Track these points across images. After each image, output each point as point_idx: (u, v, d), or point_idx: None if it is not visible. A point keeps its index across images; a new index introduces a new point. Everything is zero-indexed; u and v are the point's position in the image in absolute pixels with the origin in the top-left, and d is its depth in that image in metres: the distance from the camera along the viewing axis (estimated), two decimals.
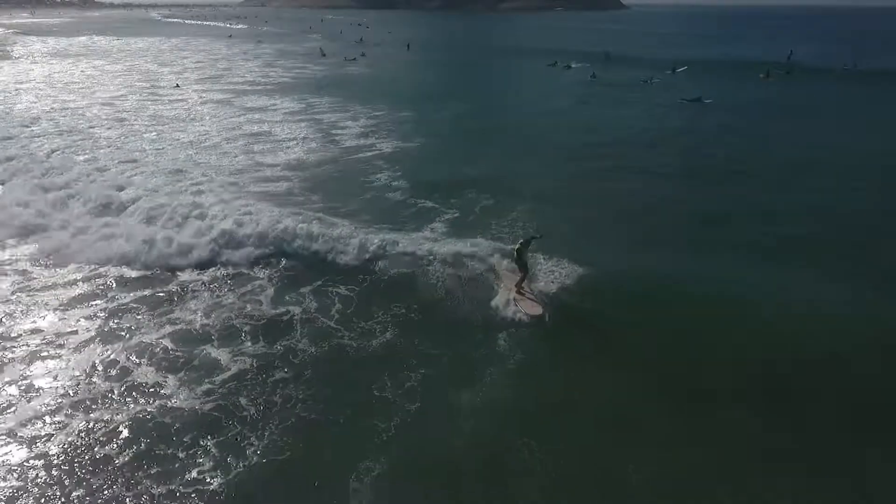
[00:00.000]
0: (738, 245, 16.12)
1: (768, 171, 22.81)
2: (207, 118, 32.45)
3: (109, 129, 29.60)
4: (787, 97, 40.63)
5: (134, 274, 14.25)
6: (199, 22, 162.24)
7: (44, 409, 9.71)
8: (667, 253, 15.60)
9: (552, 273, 13.79)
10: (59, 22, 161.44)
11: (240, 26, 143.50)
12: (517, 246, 13.10)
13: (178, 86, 42.65)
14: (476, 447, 9.08)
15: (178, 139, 27.39)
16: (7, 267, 14.70)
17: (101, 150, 25.19)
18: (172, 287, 13.68)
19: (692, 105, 36.72)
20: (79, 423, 9.37)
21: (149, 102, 36.86)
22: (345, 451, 8.94)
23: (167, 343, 11.45)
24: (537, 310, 12.28)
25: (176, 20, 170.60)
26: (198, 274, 14.18)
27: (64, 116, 32.47)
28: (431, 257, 14.54)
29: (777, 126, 31.41)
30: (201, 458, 8.72)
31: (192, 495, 8.15)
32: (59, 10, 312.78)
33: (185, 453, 8.80)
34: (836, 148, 26.48)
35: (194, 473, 8.44)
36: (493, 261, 14.20)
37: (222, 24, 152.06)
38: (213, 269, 14.41)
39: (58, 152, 24.70)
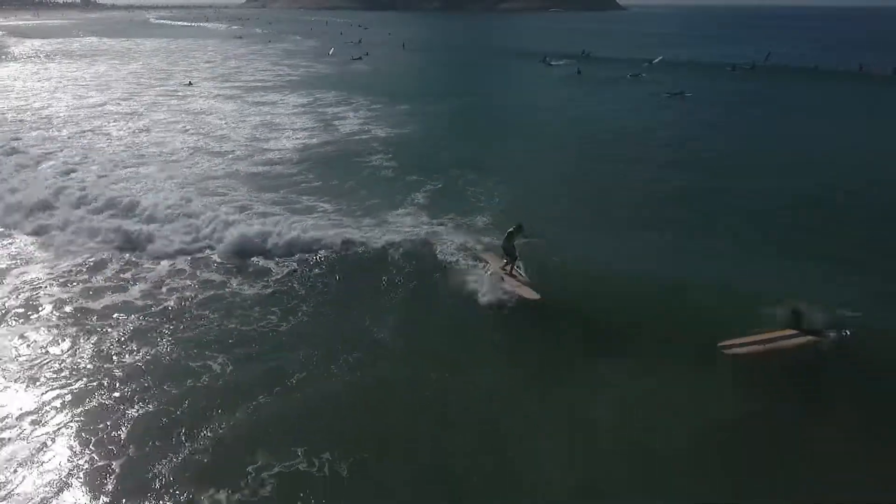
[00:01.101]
0: (716, 231, 17.05)
1: (746, 160, 25.10)
2: (219, 111, 35.74)
3: (128, 121, 32.97)
4: (748, 92, 43.88)
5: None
6: (198, 24, 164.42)
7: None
8: (651, 238, 16.31)
9: (542, 259, 14.02)
10: (66, 24, 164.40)
11: (235, 29, 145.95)
12: (510, 230, 13.40)
13: (190, 83, 45.86)
14: (466, 432, 9.38)
15: (193, 130, 30.76)
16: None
17: (118, 142, 28.33)
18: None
19: (674, 98, 40.24)
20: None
21: (162, 98, 40.27)
22: (326, 440, 9.02)
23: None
24: (532, 294, 12.42)
25: (168, 22, 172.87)
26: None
27: (84, 111, 35.86)
28: (413, 241, 15.29)
29: (739, 117, 34.94)
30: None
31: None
32: (60, 11, 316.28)
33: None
34: (776, 136, 29.79)
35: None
36: (479, 246, 14.77)
37: (217, 26, 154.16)
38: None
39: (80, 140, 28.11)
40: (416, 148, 26.86)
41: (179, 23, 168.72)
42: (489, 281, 13.05)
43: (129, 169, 23.22)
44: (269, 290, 13.77)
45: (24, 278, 14.44)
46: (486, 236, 15.89)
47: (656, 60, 56.00)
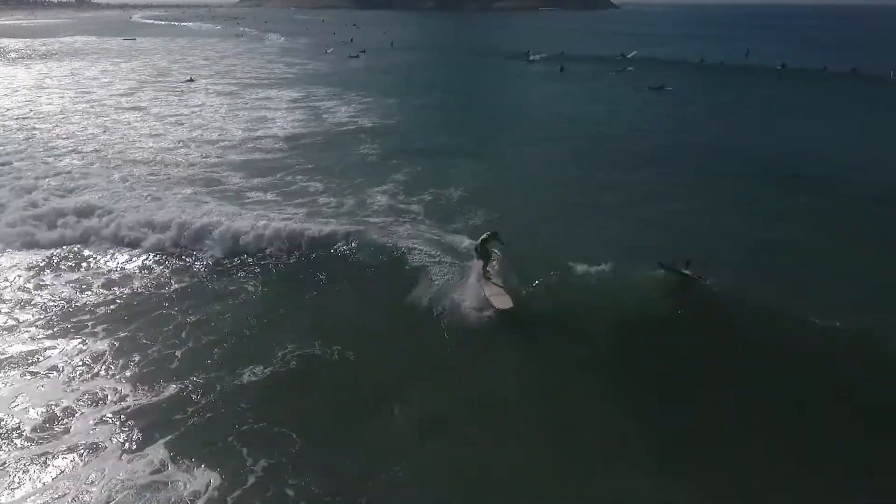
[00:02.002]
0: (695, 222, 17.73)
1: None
2: (218, 105, 37.71)
3: (132, 113, 34.94)
4: (722, 86, 46.21)
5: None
6: (180, 24, 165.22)
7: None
8: (629, 237, 16.53)
9: (519, 263, 13.98)
10: (62, 23, 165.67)
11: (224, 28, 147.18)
12: (483, 236, 13.43)
13: (191, 80, 47.78)
14: (435, 438, 9.49)
15: (194, 123, 32.74)
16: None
17: (124, 131, 30.41)
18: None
19: (656, 91, 42.86)
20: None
21: (164, 94, 42.16)
22: (295, 448, 9.17)
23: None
24: (506, 303, 12.27)
25: (161, 22, 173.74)
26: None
27: (94, 104, 37.80)
28: (394, 242, 15.33)
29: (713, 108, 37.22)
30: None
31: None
32: (56, 10, 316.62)
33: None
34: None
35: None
36: (464, 247, 14.80)
37: (201, 26, 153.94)
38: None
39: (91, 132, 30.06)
40: (401, 136, 28.95)
41: (162, 22, 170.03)
42: (469, 287, 12.93)
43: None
44: (231, 286, 14.31)
45: None
46: (460, 216, 17.58)
47: (630, 55, 58.85)
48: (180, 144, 27.30)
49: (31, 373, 11.30)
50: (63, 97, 40.51)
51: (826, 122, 32.62)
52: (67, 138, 28.30)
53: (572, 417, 9.91)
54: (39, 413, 10.18)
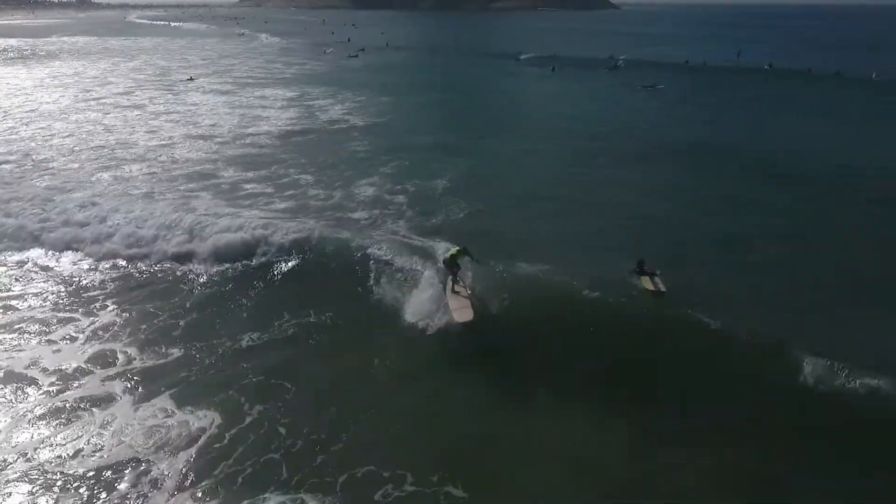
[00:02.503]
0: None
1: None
2: (217, 103, 39.16)
3: (133, 111, 36.49)
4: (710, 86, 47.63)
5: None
6: (176, 24, 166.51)
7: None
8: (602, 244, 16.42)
9: (488, 271, 13.79)
10: (57, 23, 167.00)
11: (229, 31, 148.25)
12: (452, 251, 13.19)
13: (191, 79, 49.25)
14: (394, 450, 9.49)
15: (194, 120, 34.24)
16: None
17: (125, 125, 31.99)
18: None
19: (649, 89, 44.50)
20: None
21: (163, 92, 43.69)
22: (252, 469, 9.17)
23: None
24: (467, 315, 12.03)
25: (158, 23, 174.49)
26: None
27: (100, 100, 39.34)
28: (362, 248, 15.19)
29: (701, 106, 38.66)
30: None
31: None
32: (56, 10, 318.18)
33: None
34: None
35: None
36: (438, 254, 14.39)
37: (198, 27, 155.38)
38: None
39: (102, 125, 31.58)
40: (393, 133, 30.44)
41: (159, 23, 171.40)
42: (432, 299, 12.93)
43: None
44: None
45: None
46: (443, 208, 18.78)
47: (620, 60, 60.04)
48: (182, 140, 28.79)
49: (48, 340, 12.71)
50: (64, 96, 42.06)
51: (808, 123, 33.46)
52: (70, 136, 29.75)
53: (539, 423, 10.16)
54: (56, 372, 11.59)
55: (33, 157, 25.74)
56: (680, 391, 10.63)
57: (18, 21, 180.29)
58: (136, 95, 42.31)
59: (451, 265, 13.08)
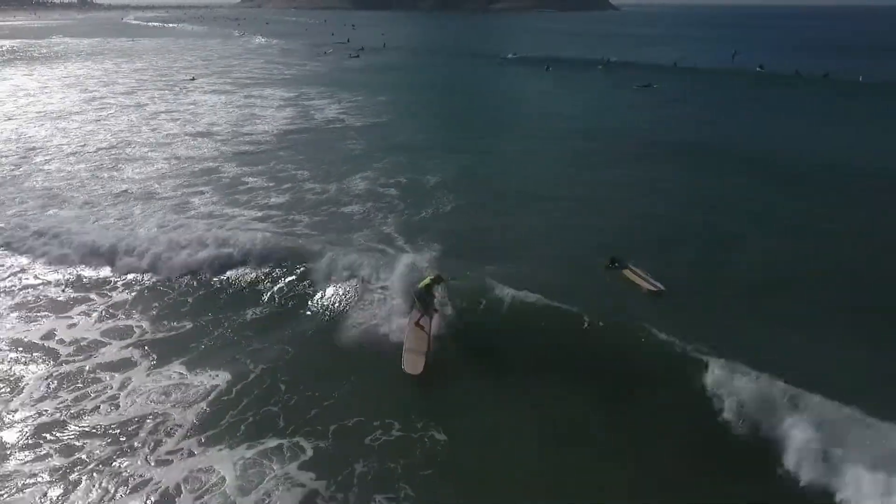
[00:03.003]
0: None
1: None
2: (219, 102, 40.60)
3: (136, 110, 37.87)
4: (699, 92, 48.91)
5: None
6: (172, 25, 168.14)
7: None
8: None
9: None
10: (53, 24, 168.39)
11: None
12: (426, 281, 12.31)
13: (193, 78, 50.67)
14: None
15: (198, 119, 35.61)
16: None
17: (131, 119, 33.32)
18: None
19: (642, 89, 46.07)
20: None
21: (165, 92, 45.10)
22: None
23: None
24: (416, 367, 11.22)
25: (154, 24, 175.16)
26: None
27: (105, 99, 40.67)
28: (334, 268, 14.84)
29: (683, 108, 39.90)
30: None
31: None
32: (58, 11, 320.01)
33: None
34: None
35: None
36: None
37: (196, 29, 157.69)
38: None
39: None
40: (387, 131, 31.77)
41: (156, 24, 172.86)
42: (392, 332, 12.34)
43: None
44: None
45: None
46: (432, 202, 19.90)
47: (613, 60, 61.60)
48: (185, 137, 30.20)
49: (63, 317, 13.96)
50: (68, 96, 43.50)
51: (791, 124, 34.20)
52: (76, 135, 31.17)
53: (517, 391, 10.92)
54: (72, 343, 12.81)
55: (35, 157, 26.88)
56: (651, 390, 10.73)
57: (20, 22, 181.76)
58: (136, 95, 43.71)
59: (425, 296, 12.08)
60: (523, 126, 33.98)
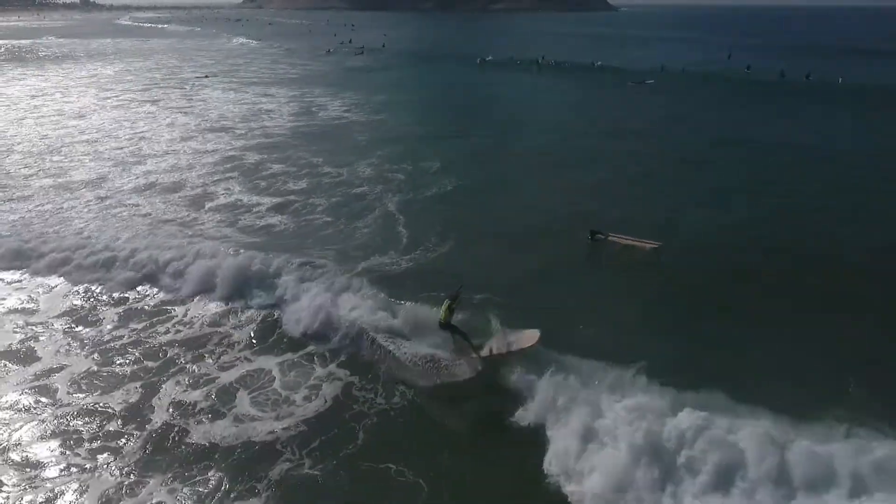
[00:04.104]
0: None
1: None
2: (230, 99, 43.14)
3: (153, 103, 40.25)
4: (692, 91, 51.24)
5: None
6: (188, 28, 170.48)
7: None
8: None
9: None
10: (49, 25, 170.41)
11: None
12: (444, 311, 11.59)
13: (206, 76, 53.10)
14: None
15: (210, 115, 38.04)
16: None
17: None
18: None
19: (639, 85, 48.80)
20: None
21: (181, 87, 47.57)
22: None
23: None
24: (532, 338, 11.01)
25: (147, 25, 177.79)
26: None
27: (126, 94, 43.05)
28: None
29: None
30: None
31: None
32: (60, 11, 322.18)
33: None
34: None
35: None
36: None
37: (201, 30, 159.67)
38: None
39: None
40: (389, 125, 34.19)
41: (147, 25, 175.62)
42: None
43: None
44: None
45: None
46: (435, 183, 22.26)
47: (598, 63, 63.29)
48: (203, 132, 32.60)
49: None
50: (86, 95, 45.89)
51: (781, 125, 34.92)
52: (96, 132, 33.34)
53: None
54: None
55: (52, 156, 28.38)
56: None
57: (23, 23, 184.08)
58: (150, 92, 46.05)
59: (447, 325, 11.69)
60: (515, 119, 36.59)
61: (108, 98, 44.38)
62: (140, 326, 13.80)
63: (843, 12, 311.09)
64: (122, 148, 29.24)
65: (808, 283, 14.92)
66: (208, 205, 21.47)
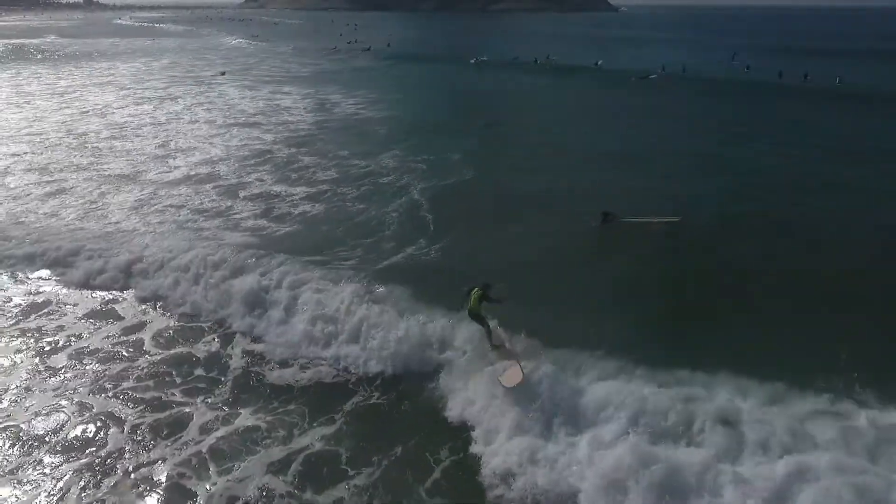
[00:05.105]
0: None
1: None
2: (245, 92, 44.93)
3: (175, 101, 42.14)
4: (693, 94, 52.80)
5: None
6: (187, 28, 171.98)
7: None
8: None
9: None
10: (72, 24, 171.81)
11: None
12: (474, 298, 11.19)
13: (223, 73, 54.84)
14: None
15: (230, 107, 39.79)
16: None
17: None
18: None
19: (642, 80, 50.66)
20: None
21: (195, 86, 49.33)
22: None
23: None
24: (515, 377, 10.16)
25: (144, 24, 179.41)
26: None
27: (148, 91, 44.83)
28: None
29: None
30: None
31: None
32: (65, 11, 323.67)
33: None
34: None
35: None
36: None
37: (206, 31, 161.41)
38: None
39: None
40: (406, 120, 35.94)
41: (144, 24, 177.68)
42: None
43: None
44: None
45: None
46: (456, 172, 24.07)
47: (599, 62, 64.51)
48: (229, 127, 34.28)
49: None
50: (106, 93, 47.64)
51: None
52: (122, 128, 34.92)
53: None
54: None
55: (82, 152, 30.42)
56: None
57: (27, 22, 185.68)
58: (170, 90, 47.77)
59: (478, 314, 11.25)
60: (525, 114, 38.59)
61: (128, 96, 46.07)
62: None
63: (844, 12, 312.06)
64: (152, 143, 30.76)
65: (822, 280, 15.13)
66: (242, 194, 22.95)
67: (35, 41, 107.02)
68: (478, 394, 10.56)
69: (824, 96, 44.12)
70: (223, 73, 54.90)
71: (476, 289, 11.29)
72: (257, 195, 22.84)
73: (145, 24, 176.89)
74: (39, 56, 79.27)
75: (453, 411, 10.63)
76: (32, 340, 13.59)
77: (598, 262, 16.88)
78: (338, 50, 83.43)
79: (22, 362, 12.78)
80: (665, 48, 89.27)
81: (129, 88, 49.87)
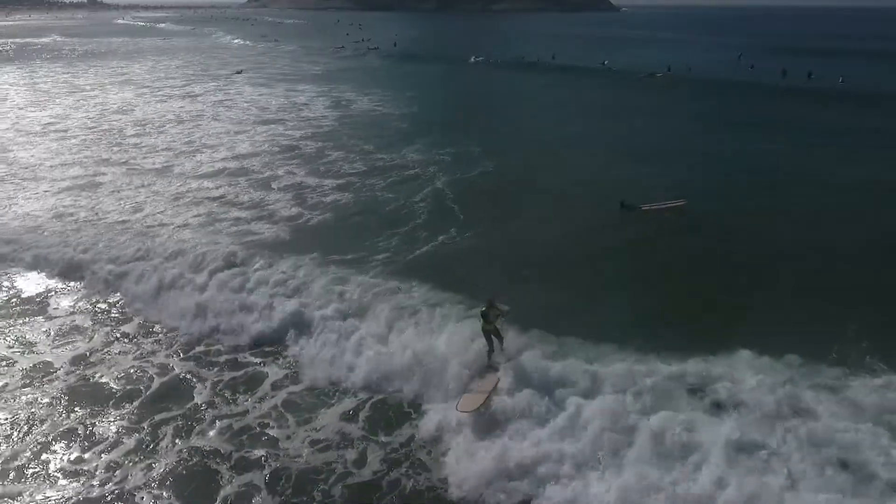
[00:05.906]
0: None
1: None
2: (262, 90, 46.18)
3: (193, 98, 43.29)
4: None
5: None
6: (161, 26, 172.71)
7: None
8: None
9: None
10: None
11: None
12: (485, 314, 11.24)
13: (240, 72, 56.08)
14: None
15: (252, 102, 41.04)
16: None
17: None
18: None
19: (648, 78, 52.21)
20: None
21: (215, 83, 50.54)
22: None
23: None
24: (472, 404, 10.23)
25: (131, 23, 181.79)
26: None
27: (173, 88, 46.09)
28: None
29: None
30: None
31: None
32: (69, 11, 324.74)
33: None
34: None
35: None
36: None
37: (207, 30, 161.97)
38: None
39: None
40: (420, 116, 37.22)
41: (144, 24, 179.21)
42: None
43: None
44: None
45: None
46: (478, 165, 25.52)
47: (606, 62, 65.50)
48: (253, 124, 35.54)
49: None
50: (124, 91, 48.90)
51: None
52: (144, 125, 36.18)
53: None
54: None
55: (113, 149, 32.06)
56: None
57: (25, 21, 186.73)
58: (189, 87, 48.95)
59: (490, 331, 11.38)
60: (537, 110, 39.86)
61: (145, 94, 47.25)
62: None
63: (842, 12, 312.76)
64: (178, 139, 31.97)
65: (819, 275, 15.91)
66: (274, 185, 24.11)
67: (45, 40, 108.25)
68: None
69: (828, 95, 45.21)
70: (239, 72, 56.14)
71: (484, 308, 11.36)
72: (287, 186, 23.88)
73: (146, 25, 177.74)
74: (49, 56, 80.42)
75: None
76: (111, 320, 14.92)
77: (618, 248, 17.95)
78: (345, 49, 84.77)
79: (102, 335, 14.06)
80: (670, 48, 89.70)
81: (147, 87, 51.09)
